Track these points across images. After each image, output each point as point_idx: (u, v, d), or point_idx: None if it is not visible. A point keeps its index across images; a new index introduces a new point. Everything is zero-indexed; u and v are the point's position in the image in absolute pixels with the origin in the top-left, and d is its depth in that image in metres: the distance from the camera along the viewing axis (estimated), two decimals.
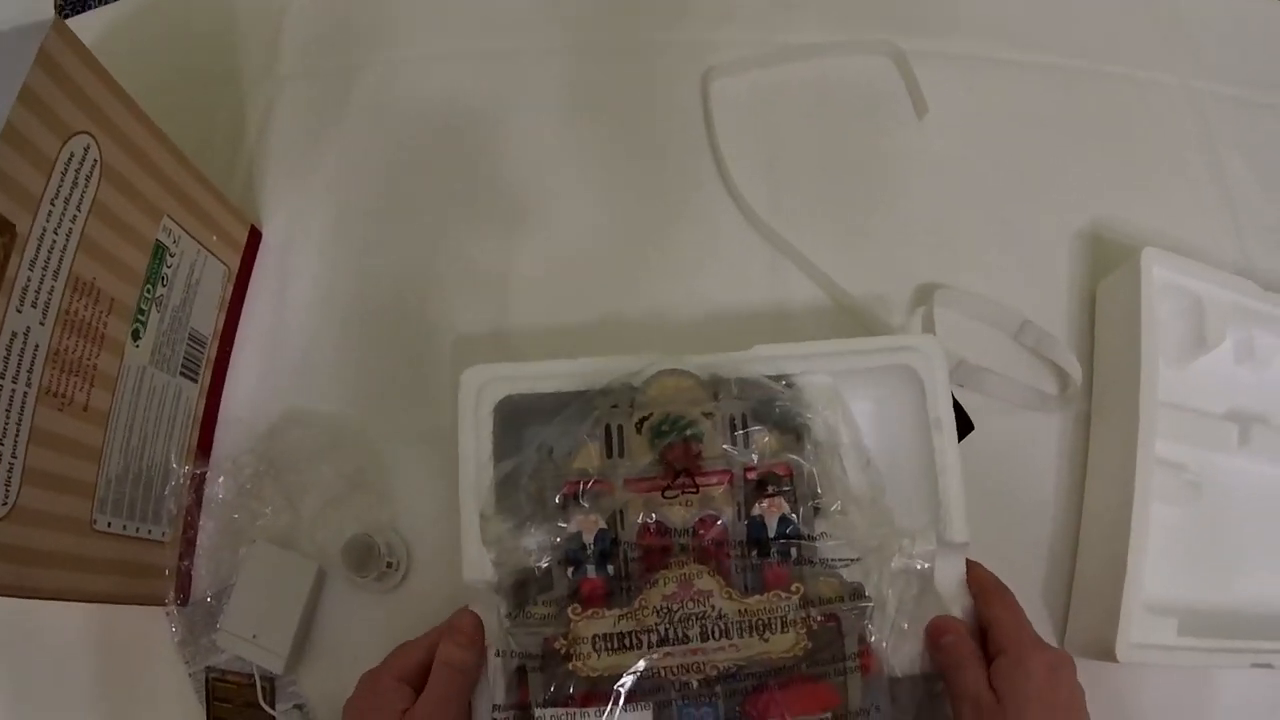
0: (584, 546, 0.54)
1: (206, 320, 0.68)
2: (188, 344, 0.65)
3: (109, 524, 0.58)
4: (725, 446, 0.55)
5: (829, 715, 0.51)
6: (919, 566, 0.55)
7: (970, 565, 0.57)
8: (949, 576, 0.57)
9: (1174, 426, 0.65)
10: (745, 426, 0.55)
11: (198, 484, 0.66)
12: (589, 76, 0.81)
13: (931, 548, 0.56)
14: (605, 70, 0.82)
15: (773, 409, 0.56)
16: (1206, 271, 0.67)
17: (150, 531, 0.62)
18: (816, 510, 0.55)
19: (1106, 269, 0.72)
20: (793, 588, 0.53)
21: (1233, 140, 0.80)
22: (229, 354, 0.71)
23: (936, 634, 0.55)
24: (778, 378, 0.57)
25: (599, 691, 0.51)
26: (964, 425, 0.64)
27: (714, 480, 0.55)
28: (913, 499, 0.58)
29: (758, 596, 0.53)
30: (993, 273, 0.73)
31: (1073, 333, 0.73)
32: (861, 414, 0.60)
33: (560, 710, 0.51)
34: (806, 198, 0.77)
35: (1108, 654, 0.59)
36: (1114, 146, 0.79)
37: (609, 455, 0.55)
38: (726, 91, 0.80)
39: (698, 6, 0.83)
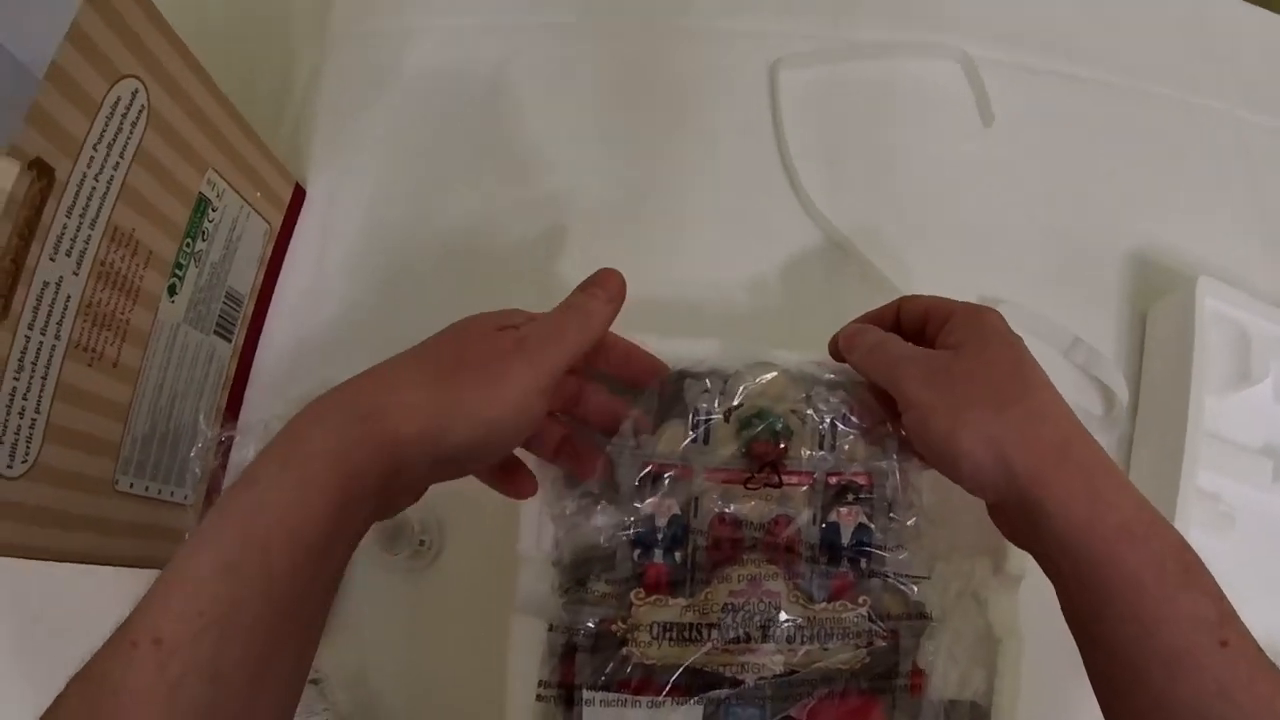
0: (655, 530, 0.52)
1: (244, 279, 0.66)
2: (224, 302, 0.63)
3: (131, 485, 0.56)
4: (810, 449, 0.53)
5: None
6: (976, 595, 0.53)
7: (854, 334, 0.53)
8: (1003, 609, 0.54)
9: (1212, 457, 0.64)
10: (834, 430, 0.53)
11: (225, 448, 0.64)
12: (647, 55, 0.79)
13: (989, 576, 0.54)
14: (665, 50, 0.79)
15: (864, 419, 0.54)
16: (1255, 305, 0.68)
17: (173, 494, 0.60)
18: (892, 522, 0.53)
19: (1153, 290, 0.72)
20: (861, 600, 0.51)
21: (1276, 172, 0.80)
22: (265, 315, 0.69)
23: (850, 340, 0.52)
24: (861, 384, 0.55)
25: (653, 680, 0.49)
26: None
27: (795, 480, 0.53)
28: (974, 525, 0.55)
29: (824, 604, 0.51)
30: (1043, 287, 0.73)
31: (1118, 351, 0.72)
32: None
33: (610, 695, 0.49)
34: (865, 196, 0.75)
35: None
36: (1164, 169, 0.78)
37: (693, 441, 0.53)
38: (790, 83, 0.78)
39: None
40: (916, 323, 0.52)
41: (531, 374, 0.45)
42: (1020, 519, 0.45)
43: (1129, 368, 0.71)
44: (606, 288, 0.50)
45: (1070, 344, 0.70)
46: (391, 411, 0.42)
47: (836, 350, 0.54)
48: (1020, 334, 0.64)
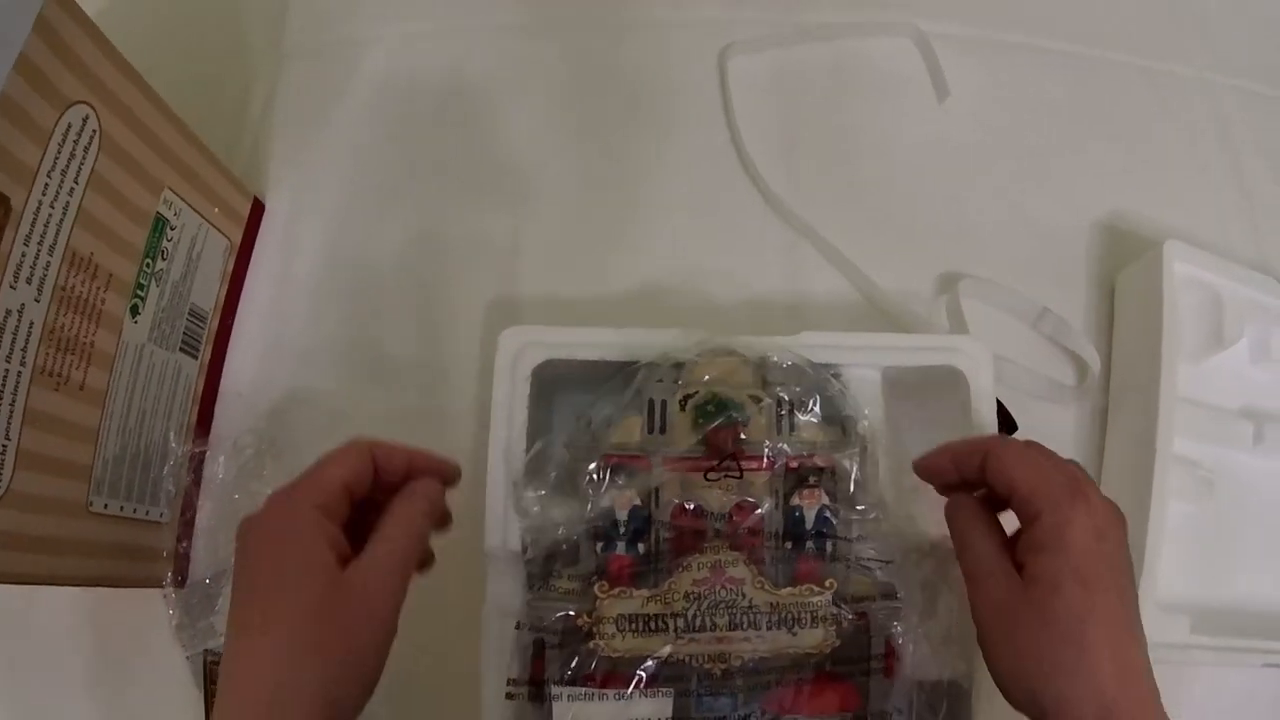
0: (616, 523, 0.52)
1: (208, 295, 0.66)
2: (188, 319, 0.64)
3: (105, 505, 0.57)
4: (768, 434, 0.53)
5: (849, 715, 0.50)
6: (945, 578, 0.53)
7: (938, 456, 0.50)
8: None
9: (1189, 423, 0.63)
10: (792, 415, 0.54)
11: (197, 464, 0.65)
12: (598, 52, 0.80)
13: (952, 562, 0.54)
14: (616, 46, 0.80)
15: (821, 401, 0.54)
16: (1227, 267, 0.67)
17: (148, 513, 0.61)
18: (854, 514, 0.53)
19: (1124, 261, 0.71)
20: (826, 583, 0.51)
21: (1249, 135, 0.79)
22: (230, 329, 0.70)
23: (948, 508, 0.48)
24: (822, 367, 0.56)
25: (620, 673, 0.49)
26: (1007, 425, 0.63)
27: (755, 466, 0.53)
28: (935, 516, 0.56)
29: (790, 589, 0.51)
30: (1009, 261, 0.72)
31: (1089, 324, 0.72)
32: (900, 411, 0.58)
33: (578, 689, 0.49)
34: (824, 180, 0.75)
35: None
36: (1131, 137, 0.79)
37: (650, 431, 0.53)
38: (743, 70, 0.78)
39: None
40: (1002, 489, 0.46)
41: (383, 554, 0.44)
42: None
43: (1101, 338, 0.71)
44: (441, 463, 0.49)
45: (1038, 315, 0.70)
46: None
47: (923, 469, 0.51)
48: (986, 308, 0.64)
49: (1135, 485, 0.61)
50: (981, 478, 0.47)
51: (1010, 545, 0.46)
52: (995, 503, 0.48)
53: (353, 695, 0.42)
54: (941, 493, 0.50)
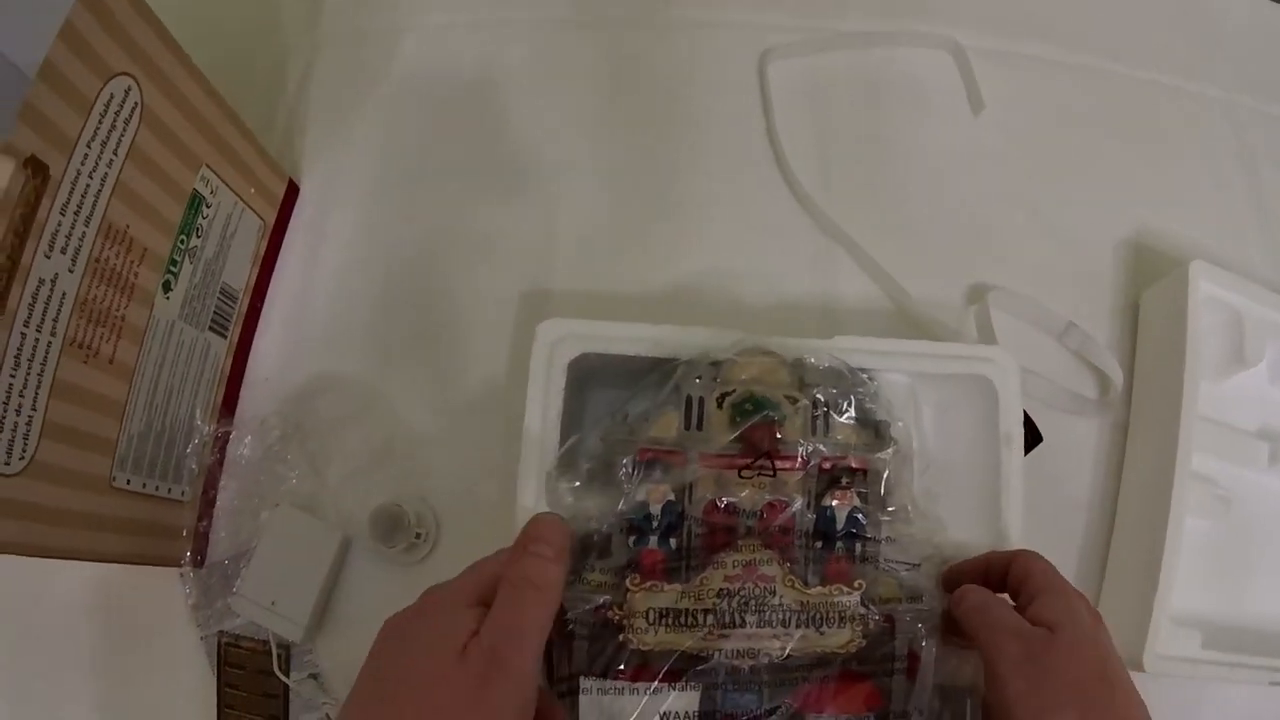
0: (649, 516, 0.52)
1: (239, 275, 0.66)
2: (219, 298, 0.64)
3: (128, 481, 0.56)
4: (803, 434, 0.53)
5: (870, 715, 0.49)
6: None
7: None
8: None
9: (1208, 440, 0.64)
10: (828, 417, 0.53)
11: (221, 443, 0.64)
12: (635, 49, 0.79)
13: None
14: (653, 44, 0.79)
15: (856, 403, 0.54)
16: (1249, 288, 0.68)
17: (170, 491, 0.61)
18: (884, 517, 0.53)
19: (1147, 276, 0.72)
20: (855, 584, 0.51)
21: (1272, 158, 0.80)
22: (259, 311, 0.69)
23: (957, 598, 0.51)
24: (856, 371, 0.56)
25: (649, 667, 0.49)
26: (1033, 438, 0.63)
27: (789, 466, 0.53)
28: (970, 510, 0.56)
29: (819, 589, 0.51)
30: (1036, 273, 0.73)
31: (1112, 339, 0.72)
32: (927, 418, 0.60)
33: (608, 682, 0.49)
34: (856, 187, 0.75)
35: (1134, 664, 0.59)
36: (1157, 155, 0.79)
37: (687, 427, 0.53)
38: (779, 75, 0.78)
39: None
40: (1001, 572, 0.51)
41: (517, 693, 0.41)
42: None
43: (1123, 353, 0.71)
44: (551, 542, 0.46)
45: (1064, 329, 0.70)
46: None
47: (949, 581, 0.53)
48: (1013, 320, 0.64)
49: (1153, 499, 0.62)
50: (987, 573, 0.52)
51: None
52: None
53: None
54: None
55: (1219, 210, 0.77)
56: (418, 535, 0.63)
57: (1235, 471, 0.66)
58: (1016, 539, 0.55)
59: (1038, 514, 0.64)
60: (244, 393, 0.68)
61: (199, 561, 0.63)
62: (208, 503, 0.63)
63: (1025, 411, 0.59)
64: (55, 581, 0.64)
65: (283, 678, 0.61)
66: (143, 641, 0.64)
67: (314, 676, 0.62)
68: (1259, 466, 0.67)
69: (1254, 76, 0.82)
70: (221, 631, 0.62)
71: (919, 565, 0.53)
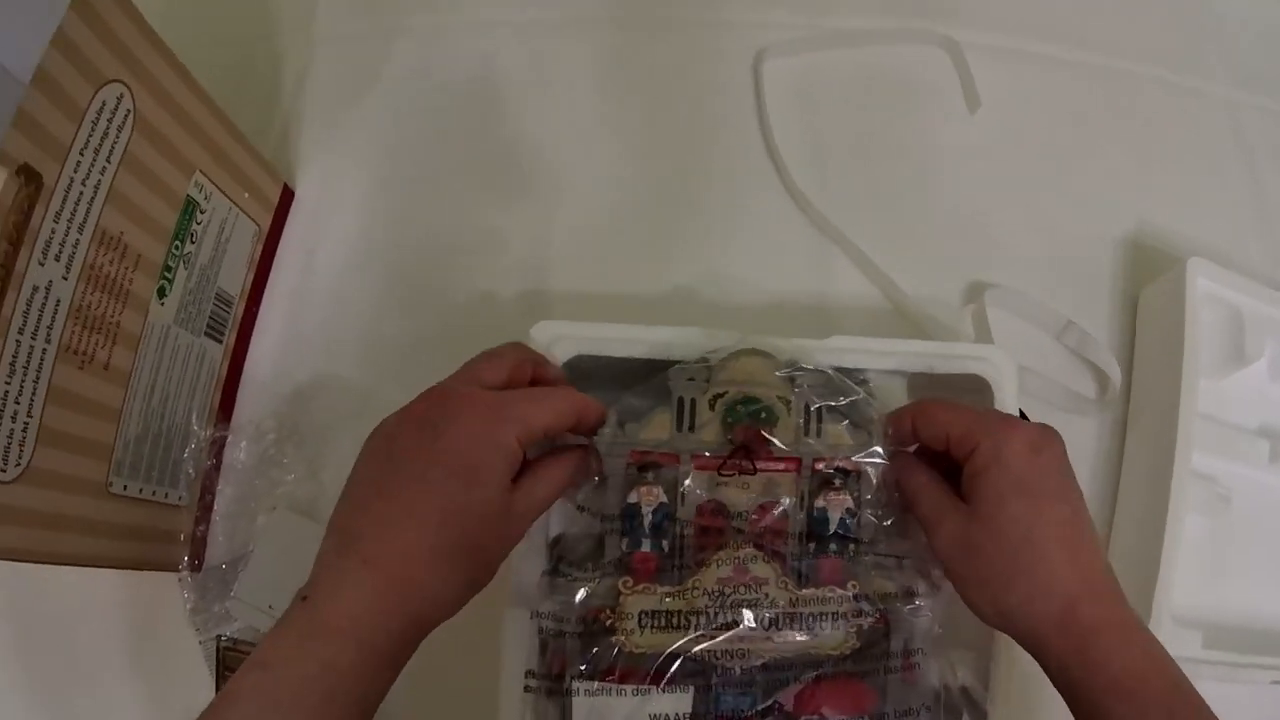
0: (641, 518, 0.52)
1: (234, 280, 0.66)
2: (214, 304, 0.64)
3: (125, 487, 0.56)
4: (795, 434, 0.53)
5: (866, 715, 0.49)
6: None
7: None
8: None
9: (1207, 438, 0.64)
10: (820, 418, 0.53)
11: (218, 448, 0.64)
12: (631, 50, 0.79)
13: None
14: (649, 45, 0.80)
15: (849, 405, 0.54)
16: (1249, 285, 0.67)
17: (167, 495, 0.61)
18: (875, 519, 0.53)
19: (1146, 273, 0.72)
20: (848, 584, 0.51)
21: (1271, 154, 0.79)
22: (255, 315, 0.70)
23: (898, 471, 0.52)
24: (849, 371, 0.56)
25: (640, 669, 0.49)
26: None
27: (780, 466, 0.52)
28: None
29: (811, 589, 0.51)
30: (1034, 272, 0.72)
31: (1110, 337, 0.72)
32: None
33: (598, 684, 0.49)
34: (852, 185, 0.75)
35: None
36: (1155, 152, 0.78)
37: (679, 429, 0.53)
38: (775, 73, 0.78)
39: None
40: (939, 443, 0.50)
41: (541, 495, 0.48)
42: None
43: (1122, 351, 0.71)
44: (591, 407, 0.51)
45: (1062, 327, 0.70)
46: (414, 594, 0.43)
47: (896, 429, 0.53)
48: (1010, 318, 0.64)
49: (1153, 498, 0.62)
50: (915, 437, 0.51)
51: (956, 489, 0.49)
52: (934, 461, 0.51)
53: (456, 604, 0.45)
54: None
55: (1218, 207, 0.77)
56: None
57: (1235, 469, 0.66)
58: None
59: None
60: (240, 397, 0.68)
61: (197, 566, 0.63)
62: (205, 507, 0.64)
63: (1023, 410, 0.59)
64: (53, 587, 0.64)
65: None
66: (141, 646, 0.64)
67: None
68: (1259, 464, 0.67)
69: (1252, 72, 0.82)
70: (219, 635, 0.62)
71: (908, 558, 0.53)
